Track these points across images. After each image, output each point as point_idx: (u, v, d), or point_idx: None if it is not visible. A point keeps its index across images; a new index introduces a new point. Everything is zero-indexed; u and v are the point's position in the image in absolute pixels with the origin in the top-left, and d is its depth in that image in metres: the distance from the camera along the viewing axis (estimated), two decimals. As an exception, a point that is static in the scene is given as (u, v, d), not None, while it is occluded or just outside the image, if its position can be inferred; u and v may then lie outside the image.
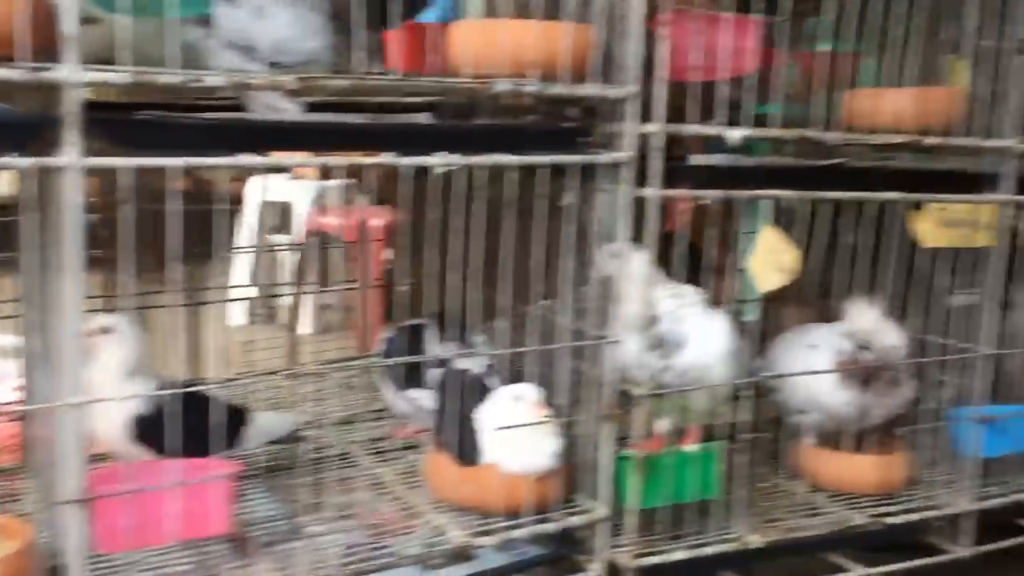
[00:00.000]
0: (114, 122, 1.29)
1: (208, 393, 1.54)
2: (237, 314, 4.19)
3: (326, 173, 4.18)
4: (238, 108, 1.60)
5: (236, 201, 4.28)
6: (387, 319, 2.95)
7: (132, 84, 1.23)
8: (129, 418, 1.61)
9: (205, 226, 2.16)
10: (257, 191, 4.43)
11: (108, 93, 2.09)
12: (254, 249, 4.17)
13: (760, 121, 1.75)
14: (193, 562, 1.63)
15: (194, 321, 2.25)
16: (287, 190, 4.53)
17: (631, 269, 1.72)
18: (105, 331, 1.66)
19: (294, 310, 3.45)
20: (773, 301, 2.48)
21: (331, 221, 4.00)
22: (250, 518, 1.63)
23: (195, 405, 1.51)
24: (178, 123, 1.38)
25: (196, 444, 1.46)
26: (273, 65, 1.57)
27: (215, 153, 1.30)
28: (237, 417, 1.77)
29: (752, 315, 2.58)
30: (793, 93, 2.28)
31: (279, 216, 4.62)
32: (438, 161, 1.49)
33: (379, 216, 3.71)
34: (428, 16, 2.21)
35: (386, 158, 1.49)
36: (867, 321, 2.01)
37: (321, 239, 3.87)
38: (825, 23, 1.98)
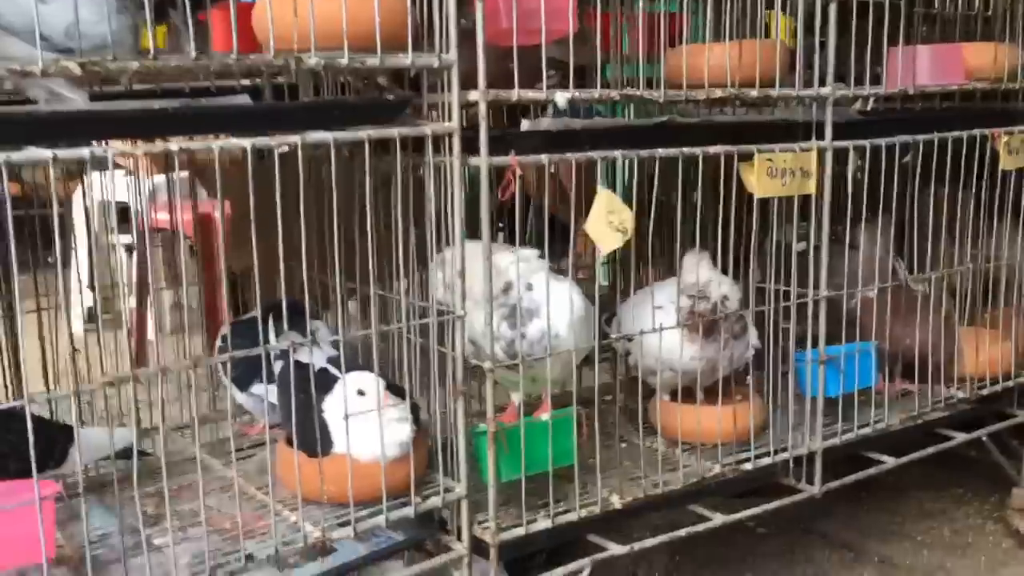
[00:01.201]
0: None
1: (24, 411, 1.42)
2: (76, 322, 3.97)
3: (165, 167, 3.98)
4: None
5: (63, 203, 4.04)
6: (236, 313, 2.85)
7: None
8: None
9: (33, 232, 2.03)
10: (89, 191, 4.19)
11: None
12: (84, 252, 3.94)
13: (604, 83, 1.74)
14: (27, 592, 1.53)
15: (11, 335, 2.09)
16: (121, 188, 4.30)
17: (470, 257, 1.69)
18: None
19: (138, 313, 3.29)
20: (623, 263, 2.51)
21: (170, 217, 3.81)
22: (87, 537, 1.53)
23: (9, 424, 1.40)
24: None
25: (11, 466, 1.35)
26: (66, 51, 1.45)
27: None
28: (61, 435, 1.65)
29: (602, 278, 2.60)
30: (628, 54, 2.30)
31: (116, 216, 4.38)
32: (253, 142, 1.41)
33: (219, 209, 3.56)
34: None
35: (199, 143, 1.41)
36: (700, 273, 2.04)
37: (162, 236, 3.68)
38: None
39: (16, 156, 1.22)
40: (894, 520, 2.74)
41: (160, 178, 4.23)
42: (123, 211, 4.44)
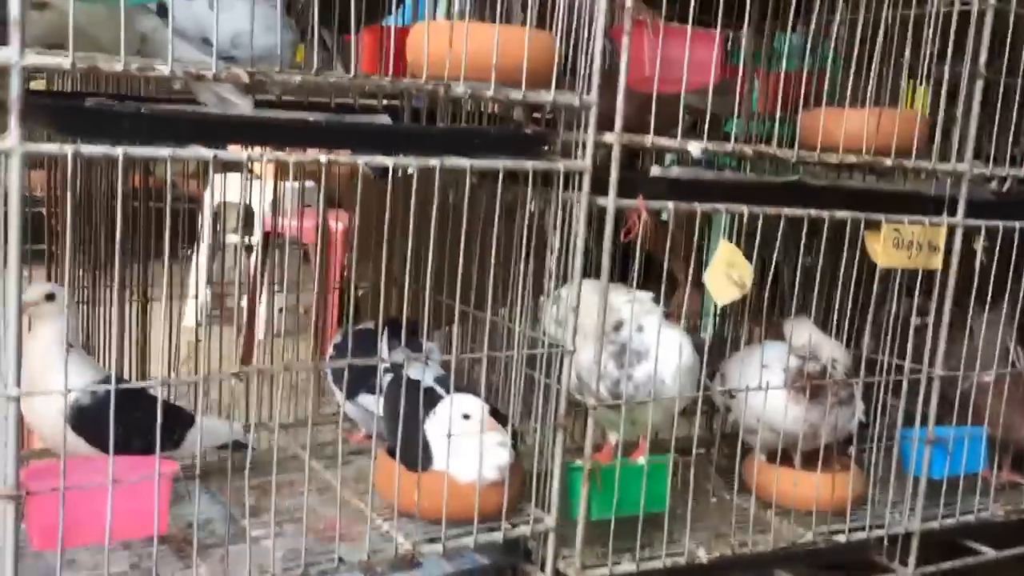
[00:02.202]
0: (56, 108, 1.26)
1: (152, 392, 1.50)
2: (190, 315, 4.13)
3: (285, 174, 4.13)
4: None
5: (194, 201, 4.22)
6: (341, 324, 2.93)
7: (77, 69, 1.20)
8: (69, 407, 1.57)
9: (161, 225, 2.13)
10: (216, 191, 4.37)
11: (64, 82, 2.07)
12: (209, 249, 4.11)
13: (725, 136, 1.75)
14: (131, 564, 1.60)
15: (143, 319, 2.20)
16: (246, 191, 4.47)
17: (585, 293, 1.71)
18: (49, 297, 1.62)
19: (250, 312, 3.40)
20: (729, 317, 2.50)
21: (289, 223, 3.95)
22: (191, 520, 1.60)
23: (138, 402, 1.47)
24: (122, 112, 1.34)
25: (137, 441, 1.42)
26: (228, 59, 1.54)
27: (162, 145, 1.26)
28: (180, 418, 1.73)
29: (709, 331, 2.59)
30: (759, 111, 2.31)
31: (238, 217, 4.56)
32: (395, 162, 1.47)
33: (340, 219, 3.68)
34: (393, 19, 2.21)
35: (343, 157, 1.48)
36: (806, 336, 2.02)
37: (279, 241, 3.82)
38: (792, 41, 1.99)
39: (183, 152, 1.30)
40: (987, 614, 2.63)
41: (285, 183, 4.40)
42: (247, 213, 4.62)
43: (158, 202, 2.08)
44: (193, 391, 1.93)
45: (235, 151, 1.45)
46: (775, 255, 2.00)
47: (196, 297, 4.11)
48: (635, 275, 1.75)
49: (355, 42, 1.98)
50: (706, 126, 1.74)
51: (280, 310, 4.10)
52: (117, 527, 1.35)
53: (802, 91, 1.99)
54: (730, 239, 1.78)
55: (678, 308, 2.04)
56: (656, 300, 1.85)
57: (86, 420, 1.56)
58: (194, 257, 4.24)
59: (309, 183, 4.02)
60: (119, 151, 1.25)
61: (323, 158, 1.43)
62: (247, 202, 4.27)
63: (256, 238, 4.21)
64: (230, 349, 2.74)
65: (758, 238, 1.77)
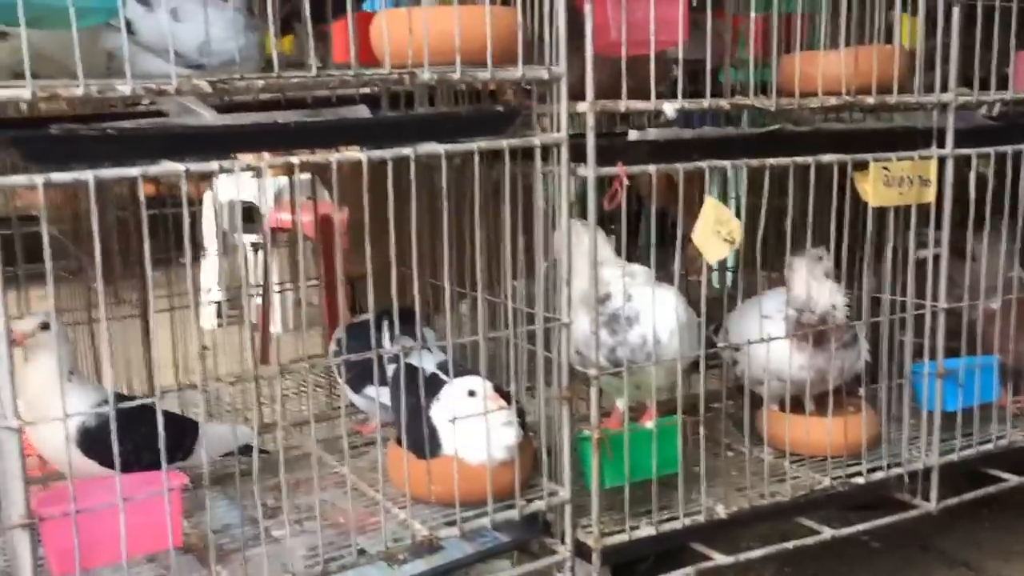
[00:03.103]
0: (20, 139, 1.26)
1: (156, 404, 1.52)
2: (207, 318, 4.16)
3: (288, 170, 4.13)
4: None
5: (195, 203, 4.24)
6: (353, 314, 2.94)
7: (37, 99, 1.21)
8: (75, 430, 1.59)
9: (166, 230, 2.15)
10: (217, 191, 4.38)
11: (45, 109, 2.08)
12: (217, 251, 4.13)
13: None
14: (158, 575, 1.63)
15: (146, 329, 2.23)
16: (248, 189, 4.48)
17: (581, 245, 1.72)
18: (45, 327, 1.64)
19: (264, 311, 3.43)
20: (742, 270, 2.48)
21: (293, 218, 3.96)
22: (210, 526, 1.62)
23: (144, 416, 1.49)
24: (88, 136, 1.35)
25: (147, 456, 1.44)
26: (198, 67, 1.54)
27: (131, 164, 1.27)
28: (190, 429, 1.75)
29: (720, 284, 2.59)
30: (743, 59, 2.27)
31: (242, 215, 4.57)
32: (368, 155, 1.47)
33: (342, 212, 3.67)
34: (371, 5, 2.19)
35: (317, 156, 1.49)
36: (809, 282, 2.01)
37: (286, 236, 3.83)
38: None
39: (153, 169, 1.31)
40: (1018, 540, 2.63)
41: (284, 179, 4.40)
42: (249, 211, 4.64)
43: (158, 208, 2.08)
44: (204, 400, 1.96)
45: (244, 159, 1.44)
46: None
47: (209, 301, 4.15)
48: (651, 236, 1.74)
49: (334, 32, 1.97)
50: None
51: (297, 303, 4.12)
52: (133, 543, 1.37)
53: (783, 34, 1.96)
54: (723, 192, 1.77)
55: (694, 262, 2.02)
56: (648, 272, 1.85)
57: (93, 441, 1.58)
58: (203, 260, 4.26)
59: (305, 176, 4.03)
60: (89, 176, 1.26)
61: (296, 159, 1.43)
62: (240, 199, 4.28)
63: (261, 237, 4.23)
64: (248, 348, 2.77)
65: (744, 188, 1.76)
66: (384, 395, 1.93)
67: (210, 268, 4.35)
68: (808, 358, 1.99)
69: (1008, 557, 2.54)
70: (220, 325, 4.16)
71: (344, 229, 3.64)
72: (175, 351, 2.31)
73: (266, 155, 1.44)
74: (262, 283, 3.86)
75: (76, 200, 2.10)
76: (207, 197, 4.41)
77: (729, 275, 2.77)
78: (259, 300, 3.49)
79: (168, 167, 1.33)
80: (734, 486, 1.99)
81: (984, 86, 2.04)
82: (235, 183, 4.46)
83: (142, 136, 1.41)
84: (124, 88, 1.30)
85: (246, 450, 1.82)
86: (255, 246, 4.23)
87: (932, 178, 1.94)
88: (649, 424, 1.82)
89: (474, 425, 1.69)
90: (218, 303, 4.28)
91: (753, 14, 1.78)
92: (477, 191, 1.59)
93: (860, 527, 2.06)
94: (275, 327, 3.78)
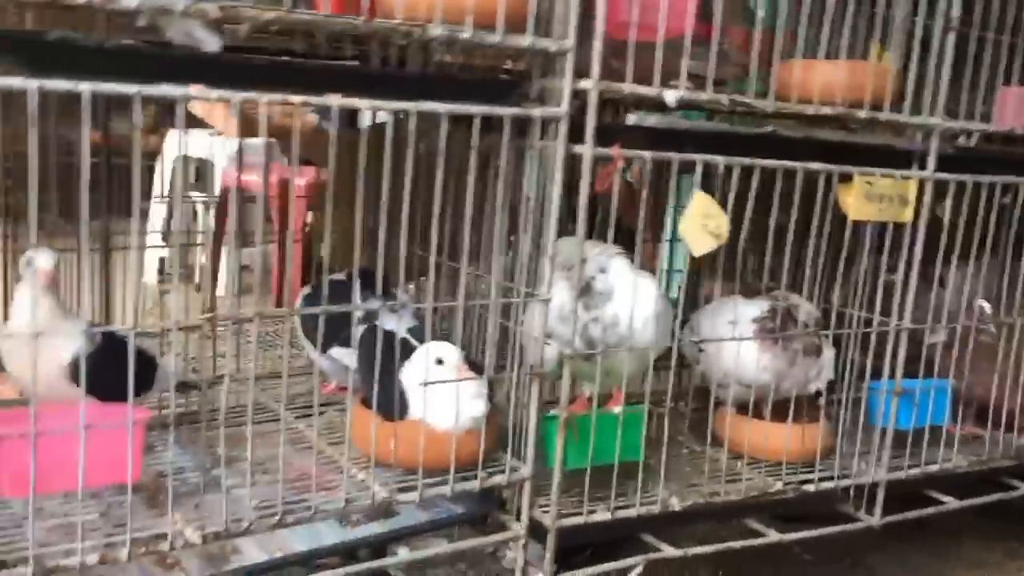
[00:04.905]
0: (19, 41, 1.21)
1: (130, 337, 1.47)
2: (150, 271, 4.06)
3: (248, 131, 4.05)
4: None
5: (152, 156, 4.13)
6: (306, 279, 2.90)
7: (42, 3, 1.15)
8: (69, 359, 1.55)
9: (120, 181, 2.08)
10: (175, 146, 4.28)
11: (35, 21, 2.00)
12: (167, 202, 4.02)
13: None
14: (100, 512, 1.57)
15: (105, 273, 2.15)
16: (206, 146, 4.40)
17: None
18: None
19: (212, 267, 3.35)
20: (697, 273, 2.50)
21: (251, 178, 3.89)
22: (163, 469, 1.57)
23: (119, 349, 1.44)
24: (86, 47, 1.29)
25: (115, 388, 1.39)
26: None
27: (127, 82, 1.22)
28: (148, 362, 1.70)
29: (677, 286, 2.59)
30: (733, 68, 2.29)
31: (197, 173, 4.48)
32: (369, 104, 1.44)
33: (301, 175, 3.63)
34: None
35: (314, 98, 1.44)
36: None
37: (239, 196, 3.75)
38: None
39: (149, 90, 1.25)
40: (945, 565, 2.70)
41: (246, 140, 4.31)
42: (201, 168, 4.54)
43: (117, 158, 2.02)
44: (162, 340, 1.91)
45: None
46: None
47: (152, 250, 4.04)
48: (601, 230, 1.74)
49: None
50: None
51: (243, 267, 4.04)
52: (91, 474, 1.32)
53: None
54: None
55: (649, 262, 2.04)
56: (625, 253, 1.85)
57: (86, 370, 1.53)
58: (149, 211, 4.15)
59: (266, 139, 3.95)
60: (85, 87, 1.21)
61: (296, 99, 1.39)
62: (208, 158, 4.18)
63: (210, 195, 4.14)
64: (192, 307, 2.70)
65: (732, 191, 1.76)
66: (349, 357, 1.89)
67: (158, 222, 4.23)
68: (771, 357, 2.01)
69: (935, 581, 2.60)
70: (161, 281, 4.07)
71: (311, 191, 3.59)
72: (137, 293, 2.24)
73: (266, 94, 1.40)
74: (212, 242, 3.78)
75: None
76: (166, 148, 4.30)
77: (677, 276, 2.78)
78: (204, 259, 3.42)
79: (167, 90, 1.28)
80: (688, 482, 2.00)
81: (968, 117, 2.08)
82: (197, 140, 4.38)
83: (142, 54, 1.35)
84: (129, 2, 1.25)
85: (182, 387, 1.77)
86: (206, 203, 4.13)
87: (911, 198, 1.97)
88: (616, 409, 1.82)
89: (443, 392, 1.67)
90: (161, 259, 4.19)
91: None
92: (473, 158, 1.57)
93: (803, 534, 2.09)
94: (219, 289, 3.70)
